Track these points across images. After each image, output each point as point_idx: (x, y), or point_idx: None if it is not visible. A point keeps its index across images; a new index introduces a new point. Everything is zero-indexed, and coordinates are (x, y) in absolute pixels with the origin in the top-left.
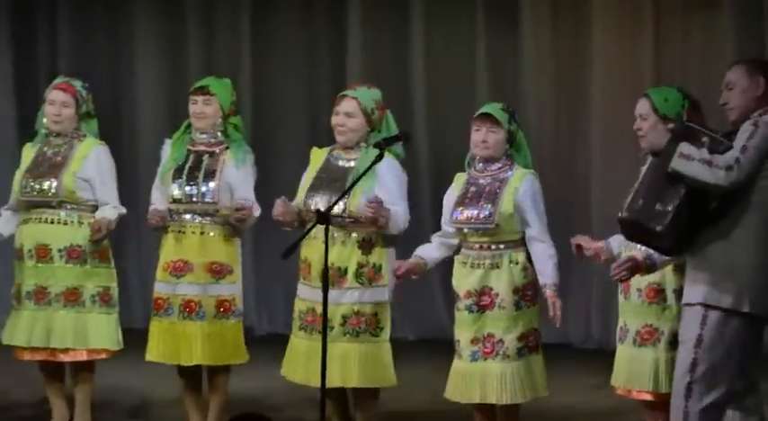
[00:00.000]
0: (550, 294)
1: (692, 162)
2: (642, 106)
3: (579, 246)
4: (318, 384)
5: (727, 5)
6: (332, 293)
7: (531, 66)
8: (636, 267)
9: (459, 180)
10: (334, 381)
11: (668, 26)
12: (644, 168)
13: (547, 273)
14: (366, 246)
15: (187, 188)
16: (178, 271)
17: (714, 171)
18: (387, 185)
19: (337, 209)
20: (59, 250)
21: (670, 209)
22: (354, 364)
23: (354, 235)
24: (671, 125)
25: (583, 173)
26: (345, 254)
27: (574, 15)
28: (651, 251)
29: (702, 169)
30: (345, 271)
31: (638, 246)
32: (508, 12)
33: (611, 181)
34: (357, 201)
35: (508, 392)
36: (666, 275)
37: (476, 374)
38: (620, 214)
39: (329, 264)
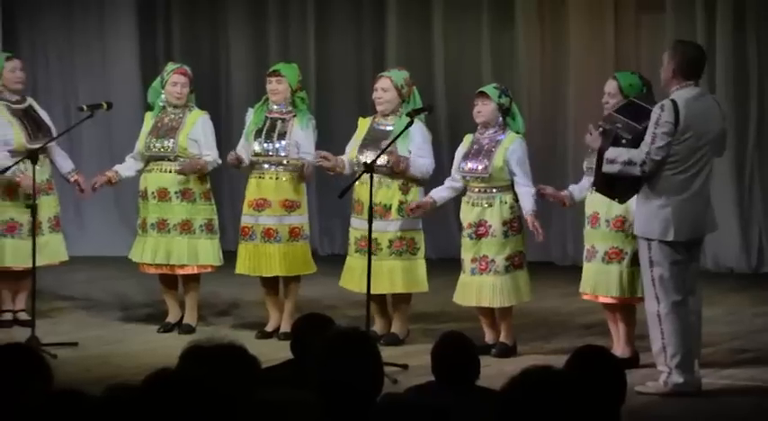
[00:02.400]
0: (531, 218)
1: (615, 165)
2: (611, 86)
3: (542, 194)
4: (371, 291)
5: (669, 8)
6: (380, 224)
7: (523, 53)
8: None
9: (467, 140)
10: (384, 289)
11: (625, 22)
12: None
13: (528, 205)
14: (404, 188)
15: (265, 145)
16: (259, 206)
17: (632, 168)
18: (416, 142)
19: (382, 161)
20: (176, 192)
21: (622, 185)
22: (398, 275)
23: (396, 181)
24: (600, 128)
25: (561, 130)
26: (389, 194)
27: (555, 14)
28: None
29: (624, 168)
30: (390, 207)
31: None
32: (506, 13)
33: (584, 132)
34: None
35: (497, 298)
36: (629, 211)
37: (474, 285)
38: (593, 187)
39: (378, 202)
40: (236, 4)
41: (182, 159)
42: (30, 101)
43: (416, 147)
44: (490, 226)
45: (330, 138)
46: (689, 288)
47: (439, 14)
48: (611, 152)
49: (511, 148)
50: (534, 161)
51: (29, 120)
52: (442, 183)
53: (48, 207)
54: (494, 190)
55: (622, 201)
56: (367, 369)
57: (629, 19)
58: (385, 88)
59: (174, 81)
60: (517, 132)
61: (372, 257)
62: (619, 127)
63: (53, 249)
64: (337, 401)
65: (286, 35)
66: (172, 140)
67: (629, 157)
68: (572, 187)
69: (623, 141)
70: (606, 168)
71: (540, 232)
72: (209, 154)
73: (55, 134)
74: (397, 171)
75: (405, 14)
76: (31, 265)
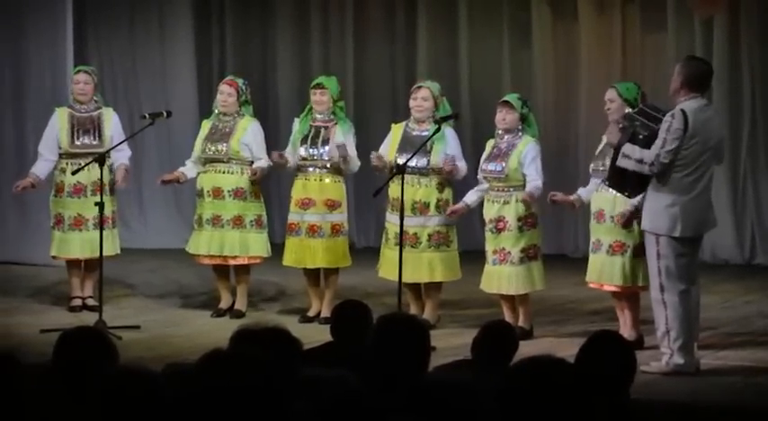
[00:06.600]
0: (526, 193)
1: (629, 160)
2: (610, 93)
3: (553, 201)
4: (409, 280)
5: (671, 28)
6: (420, 219)
7: (539, 68)
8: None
9: (489, 144)
10: (424, 278)
11: (631, 40)
12: (604, 137)
13: (530, 188)
14: (440, 187)
15: (311, 150)
16: (305, 205)
17: (643, 166)
18: (452, 146)
19: (421, 163)
20: (229, 191)
21: (633, 181)
22: (438, 266)
23: (433, 180)
24: (620, 124)
25: (573, 136)
26: (428, 193)
27: (568, 30)
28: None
29: (636, 166)
30: (428, 204)
31: (610, 192)
32: (524, 33)
33: (593, 138)
34: (437, 158)
35: (513, 286)
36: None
37: (495, 274)
38: (605, 182)
39: (417, 200)
40: (283, 24)
41: (234, 161)
42: (101, 111)
43: (452, 150)
44: (507, 221)
45: (367, 142)
46: (692, 278)
47: (464, 32)
48: (628, 148)
49: (524, 151)
50: (547, 164)
51: (81, 126)
52: (464, 182)
53: (107, 205)
54: (510, 189)
55: (632, 195)
56: (418, 345)
57: (635, 36)
58: (425, 98)
59: (221, 90)
60: (532, 136)
61: (412, 250)
62: (637, 125)
63: (109, 243)
64: (390, 374)
65: (327, 52)
66: (225, 145)
67: (642, 157)
68: (580, 190)
69: (640, 137)
70: (620, 162)
71: (528, 200)
72: (261, 158)
73: (117, 141)
74: (447, 170)
75: (433, 32)
76: (93, 256)
